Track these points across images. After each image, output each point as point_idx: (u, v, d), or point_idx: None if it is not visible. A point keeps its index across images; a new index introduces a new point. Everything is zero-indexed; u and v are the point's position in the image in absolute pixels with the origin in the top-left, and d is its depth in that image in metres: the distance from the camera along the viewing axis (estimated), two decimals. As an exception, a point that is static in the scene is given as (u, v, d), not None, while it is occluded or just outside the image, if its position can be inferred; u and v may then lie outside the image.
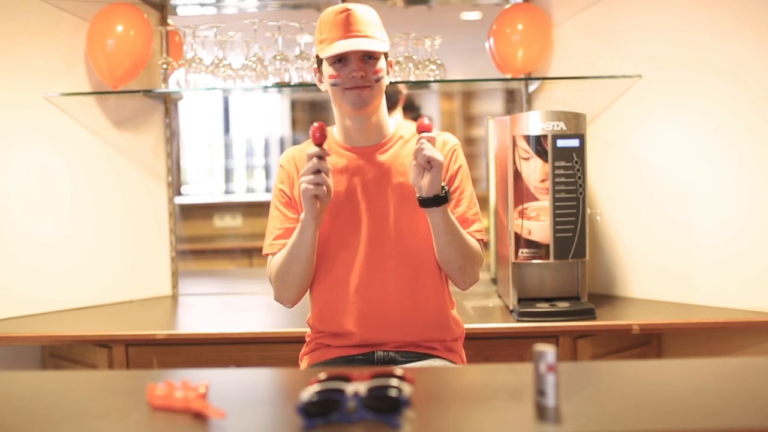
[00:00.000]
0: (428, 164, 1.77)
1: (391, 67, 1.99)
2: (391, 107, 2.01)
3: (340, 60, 1.89)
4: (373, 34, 1.90)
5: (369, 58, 1.89)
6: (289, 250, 1.91)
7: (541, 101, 2.91)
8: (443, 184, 1.83)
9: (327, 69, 1.92)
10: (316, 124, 1.80)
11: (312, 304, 2.02)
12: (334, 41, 1.88)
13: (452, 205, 1.95)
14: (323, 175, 1.79)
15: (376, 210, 1.94)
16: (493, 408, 1.27)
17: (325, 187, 1.79)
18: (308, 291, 2.02)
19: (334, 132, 2.01)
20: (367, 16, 1.91)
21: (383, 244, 1.94)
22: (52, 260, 2.73)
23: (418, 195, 1.83)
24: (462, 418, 1.23)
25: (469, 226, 1.96)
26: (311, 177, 1.79)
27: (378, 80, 1.90)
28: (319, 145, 1.80)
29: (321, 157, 1.79)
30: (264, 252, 1.99)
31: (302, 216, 1.86)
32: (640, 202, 2.69)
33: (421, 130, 1.80)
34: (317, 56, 1.95)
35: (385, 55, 1.94)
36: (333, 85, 1.91)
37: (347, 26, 1.88)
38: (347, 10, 1.89)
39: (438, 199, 1.82)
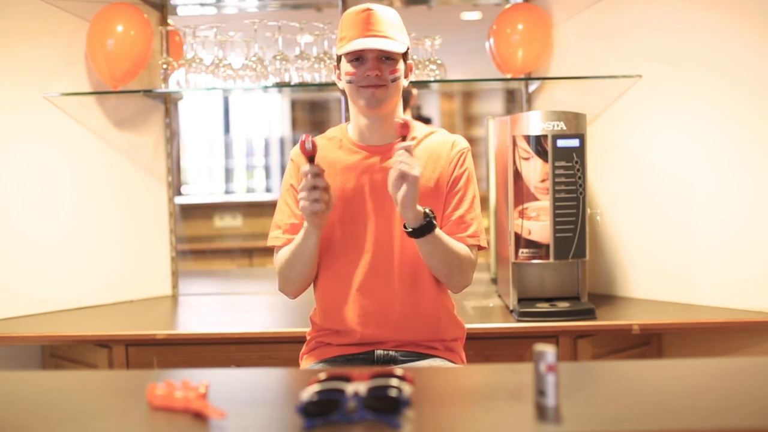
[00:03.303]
0: (402, 179, 1.77)
1: (411, 70, 2.00)
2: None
3: (357, 58, 1.90)
4: (392, 35, 1.91)
5: (386, 58, 1.90)
6: (293, 252, 1.93)
7: (541, 101, 2.91)
8: (427, 209, 1.82)
9: (345, 66, 1.93)
10: (303, 137, 1.78)
11: (316, 300, 2.03)
12: (352, 39, 1.90)
13: (451, 209, 1.96)
14: (320, 191, 1.79)
15: (383, 209, 1.95)
16: (493, 408, 1.27)
17: (323, 204, 1.80)
18: (312, 286, 2.03)
19: (349, 129, 2.02)
20: (387, 16, 1.93)
21: (387, 243, 1.95)
22: (52, 260, 2.73)
23: (404, 225, 1.84)
24: (462, 418, 1.23)
25: (465, 230, 1.95)
26: (307, 194, 1.79)
27: (394, 81, 1.91)
28: (311, 157, 1.78)
29: (316, 174, 1.79)
30: (269, 243, 2.01)
31: (305, 224, 1.87)
32: (640, 202, 2.69)
33: (400, 132, 1.80)
34: (337, 54, 1.96)
35: (405, 57, 1.95)
36: (349, 82, 1.92)
37: (367, 25, 1.89)
38: (369, 9, 1.91)
39: (422, 230, 1.82)
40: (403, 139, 1.80)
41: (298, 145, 2.04)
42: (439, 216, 1.94)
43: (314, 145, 1.78)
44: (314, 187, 1.79)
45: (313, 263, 1.94)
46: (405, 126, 1.80)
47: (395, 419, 1.17)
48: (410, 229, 1.83)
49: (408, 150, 1.78)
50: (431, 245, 1.86)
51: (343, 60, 1.93)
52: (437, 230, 1.85)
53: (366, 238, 1.95)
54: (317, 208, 1.80)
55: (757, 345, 2.47)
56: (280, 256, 1.97)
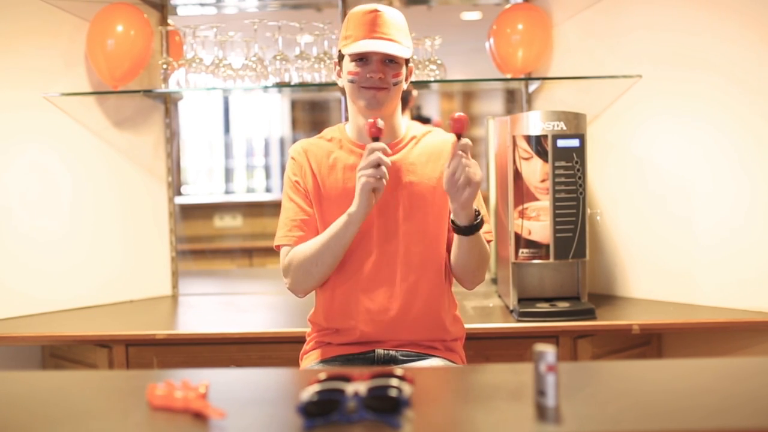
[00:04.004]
0: (467, 183, 1.79)
1: (411, 72, 2.01)
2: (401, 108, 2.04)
3: (361, 59, 1.91)
4: (398, 38, 1.92)
5: (390, 61, 1.91)
6: (325, 243, 1.91)
7: (541, 101, 2.91)
8: (477, 209, 1.85)
9: (347, 65, 1.93)
10: (371, 120, 1.83)
11: (317, 300, 2.03)
12: (358, 39, 1.90)
13: None
14: (383, 168, 1.81)
15: (385, 209, 1.95)
16: (493, 408, 1.27)
17: (384, 180, 1.82)
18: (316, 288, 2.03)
19: (347, 129, 2.02)
20: (394, 19, 1.93)
21: (390, 241, 1.95)
22: (52, 260, 2.73)
23: (453, 222, 1.86)
24: (462, 418, 1.23)
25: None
26: (373, 170, 1.81)
27: (396, 84, 1.92)
28: (377, 138, 1.81)
29: (383, 150, 1.81)
30: (277, 243, 1.99)
31: (352, 210, 1.86)
32: (640, 202, 2.69)
33: (456, 130, 1.78)
34: (339, 51, 1.97)
35: (407, 60, 1.96)
36: (351, 81, 1.93)
37: (373, 26, 1.90)
38: (376, 10, 1.91)
39: (472, 228, 1.85)
40: (458, 138, 1.79)
41: (298, 144, 2.04)
42: (444, 215, 1.96)
43: (379, 127, 1.82)
44: (379, 165, 1.80)
45: (342, 256, 1.92)
46: (461, 123, 1.78)
47: (395, 419, 1.17)
48: (462, 227, 1.85)
49: (467, 150, 1.78)
50: (472, 243, 1.89)
51: (347, 59, 1.93)
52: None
53: (370, 237, 1.95)
54: (381, 185, 1.81)
55: (757, 345, 2.47)
56: (299, 252, 1.95)
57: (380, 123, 1.81)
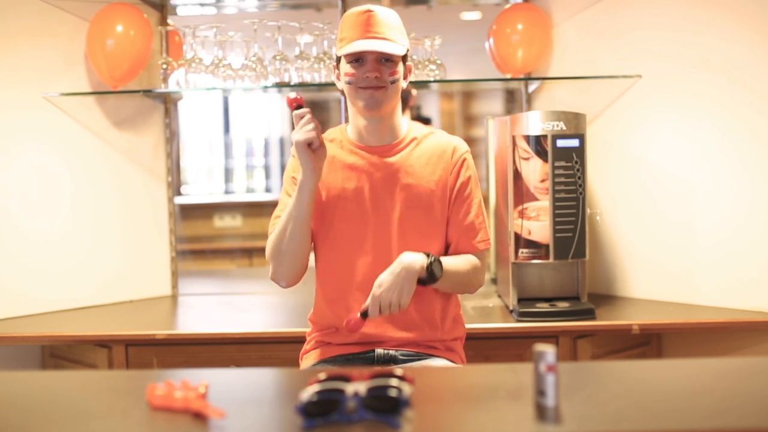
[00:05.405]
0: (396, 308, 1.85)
1: (410, 71, 2.01)
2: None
3: (357, 59, 1.91)
4: (392, 37, 1.92)
5: (386, 60, 1.91)
6: (287, 216, 1.91)
7: (541, 101, 2.91)
8: (427, 261, 1.87)
9: (344, 67, 1.94)
10: (292, 95, 1.84)
11: (316, 299, 2.03)
12: (352, 40, 1.90)
13: (461, 215, 1.98)
14: (312, 122, 1.83)
15: (383, 209, 1.96)
16: (493, 408, 1.27)
17: (316, 134, 1.83)
18: (315, 288, 2.03)
19: (348, 130, 2.03)
20: (388, 18, 1.93)
21: (387, 242, 1.95)
22: (52, 260, 2.73)
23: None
24: (462, 418, 1.23)
25: (475, 235, 1.99)
26: (299, 126, 1.83)
27: (393, 83, 1.92)
28: (299, 107, 1.84)
29: (306, 111, 1.84)
30: (269, 232, 1.99)
31: (299, 176, 1.87)
32: (640, 201, 2.69)
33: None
34: (337, 54, 1.97)
35: (404, 59, 1.96)
36: (348, 83, 1.93)
37: (367, 27, 1.90)
38: (369, 11, 1.92)
39: (431, 280, 1.88)
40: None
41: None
42: (443, 220, 1.97)
43: (298, 97, 1.85)
44: (305, 120, 1.83)
45: (307, 224, 1.90)
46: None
47: (395, 419, 1.17)
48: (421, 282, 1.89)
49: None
50: (440, 282, 1.92)
51: (343, 60, 1.94)
52: (444, 267, 1.90)
53: (366, 238, 1.96)
54: (311, 136, 1.82)
55: (757, 345, 2.47)
56: (273, 235, 1.94)
57: (291, 95, 1.84)
